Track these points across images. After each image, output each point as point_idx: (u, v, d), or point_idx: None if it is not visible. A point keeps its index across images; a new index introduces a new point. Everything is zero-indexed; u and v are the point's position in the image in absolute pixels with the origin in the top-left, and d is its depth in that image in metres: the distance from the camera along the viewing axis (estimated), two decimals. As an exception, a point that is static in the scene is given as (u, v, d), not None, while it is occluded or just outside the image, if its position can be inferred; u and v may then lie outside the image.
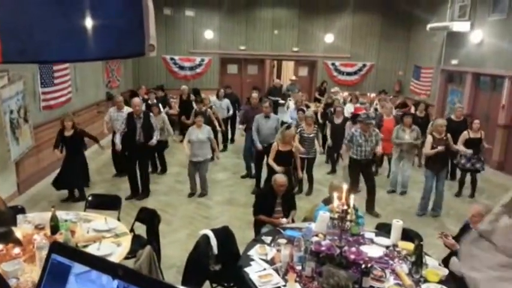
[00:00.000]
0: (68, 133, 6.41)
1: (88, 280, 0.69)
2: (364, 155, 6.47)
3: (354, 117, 7.91)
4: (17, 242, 3.04)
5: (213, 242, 3.97)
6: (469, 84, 10.50)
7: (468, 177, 7.49)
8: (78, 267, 0.70)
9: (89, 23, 1.38)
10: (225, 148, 10.13)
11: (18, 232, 3.32)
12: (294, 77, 14.18)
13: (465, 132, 7.20)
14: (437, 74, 12.10)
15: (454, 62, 11.15)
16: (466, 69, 10.61)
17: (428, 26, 11.73)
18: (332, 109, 8.93)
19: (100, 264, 0.69)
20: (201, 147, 6.90)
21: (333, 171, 8.66)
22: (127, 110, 7.33)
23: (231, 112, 10.18)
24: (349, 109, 9.80)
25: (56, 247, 0.73)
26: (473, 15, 10.32)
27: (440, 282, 3.20)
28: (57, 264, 0.72)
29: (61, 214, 3.97)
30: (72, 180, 6.61)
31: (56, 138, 6.49)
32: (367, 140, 6.44)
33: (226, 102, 10.10)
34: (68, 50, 1.46)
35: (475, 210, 3.80)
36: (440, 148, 6.20)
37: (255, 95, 8.72)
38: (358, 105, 10.07)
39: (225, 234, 4.16)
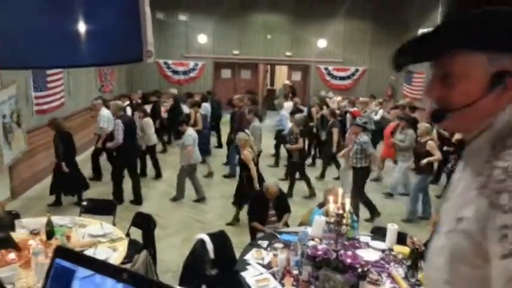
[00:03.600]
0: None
1: (92, 284, 0.69)
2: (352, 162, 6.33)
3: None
4: (15, 247, 3.01)
5: (209, 246, 3.95)
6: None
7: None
8: (82, 271, 0.70)
9: (86, 29, 1.37)
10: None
11: (13, 237, 3.30)
12: (287, 81, 14.21)
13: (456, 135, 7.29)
14: (429, 78, 12.19)
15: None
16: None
17: (420, 31, 11.83)
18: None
19: (104, 268, 0.69)
20: (181, 153, 6.99)
21: (322, 176, 8.57)
22: (102, 111, 7.42)
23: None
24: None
25: (60, 251, 0.73)
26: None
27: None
28: (61, 268, 0.72)
29: (56, 219, 3.94)
30: (65, 186, 6.59)
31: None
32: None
33: (204, 106, 10.07)
34: (65, 57, 1.45)
35: (437, 217, 3.82)
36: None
37: (236, 96, 9.07)
38: (355, 108, 10.14)
39: (221, 239, 4.15)
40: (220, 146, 10.57)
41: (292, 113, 8.48)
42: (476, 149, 0.98)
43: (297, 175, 7.45)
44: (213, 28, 14.65)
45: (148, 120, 8.05)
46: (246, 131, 6.86)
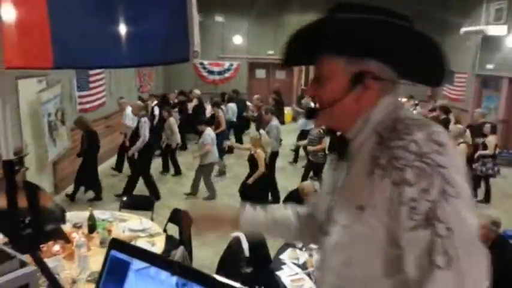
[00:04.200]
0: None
1: (147, 276, 0.71)
2: None
3: None
4: (66, 239, 3.14)
5: (245, 244, 3.98)
6: (506, 90, 10.16)
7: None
8: (137, 264, 0.73)
9: (136, 30, 1.42)
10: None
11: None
12: None
13: (481, 138, 7.09)
14: (472, 79, 11.76)
15: (490, 66, 10.81)
16: (503, 74, 10.26)
17: (462, 30, 11.43)
18: None
19: (159, 261, 0.71)
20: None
21: None
22: (127, 110, 7.72)
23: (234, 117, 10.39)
24: None
25: (115, 244, 0.76)
26: (510, 19, 9.98)
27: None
28: (116, 260, 0.75)
29: (97, 214, 4.08)
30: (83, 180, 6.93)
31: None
32: None
33: (230, 106, 10.22)
34: (115, 57, 1.51)
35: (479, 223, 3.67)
36: None
37: (255, 96, 8.99)
38: None
39: (256, 238, 4.16)
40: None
41: None
42: (362, 140, 1.04)
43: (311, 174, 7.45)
44: (248, 29, 14.72)
45: (173, 120, 8.34)
46: (261, 130, 6.97)
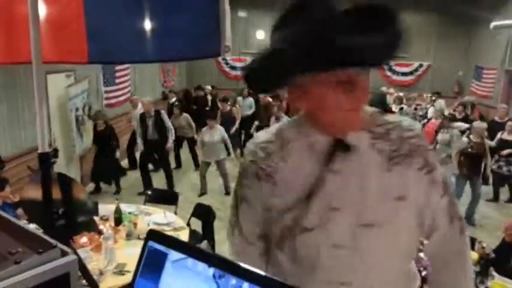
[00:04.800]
0: (100, 128, 6.82)
1: (184, 267, 0.72)
2: None
3: None
4: (98, 231, 3.20)
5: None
6: (538, 86, 9.83)
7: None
8: (174, 255, 0.74)
9: (169, 25, 1.44)
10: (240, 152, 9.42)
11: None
12: None
13: (499, 133, 6.77)
14: (501, 75, 11.41)
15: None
16: (534, 69, 9.93)
17: (492, 24, 11.09)
18: None
19: (196, 252, 0.72)
20: (214, 149, 6.97)
21: None
22: (140, 108, 7.68)
23: (251, 111, 10.40)
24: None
25: (152, 234, 0.77)
26: (544, 12, 9.64)
27: (507, 294, 3.03)
28: (153, 251, 0.76)
29: (123, 207, 4.16)
30: (104, 174, 7.02)
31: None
32: None
33: (249, 100, 10.33)
34: (148, 52, 1.54)
35: (509, 223, 3.60)
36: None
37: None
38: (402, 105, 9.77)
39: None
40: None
41: None
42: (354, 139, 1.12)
43: None
44: (271, 24, 14.63)
45: (186, 115, 8.45)
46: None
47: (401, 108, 9.55)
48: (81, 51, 1.56)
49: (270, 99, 8.84)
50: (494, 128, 7.04)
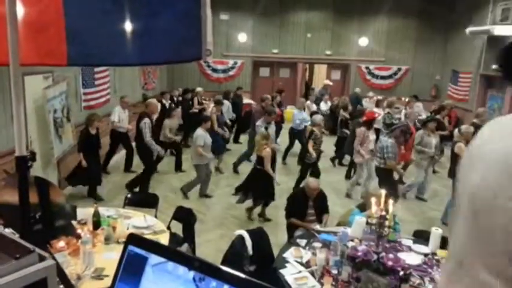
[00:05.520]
0: (93, 131, 6.79)
1: (164, 271, 0.72)
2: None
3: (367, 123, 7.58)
4: (76, 235, 3.15)
5: (248, 242, 4.00)
6: (510, 90, 10.13)
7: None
8: (154, 258, 0.74)
9: (150, 29, 1.44)
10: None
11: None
12: (327, 81, 14.05)
13: None
14: (476, 79, 11.73)
15: (495, 67, 10.77)
16: (508, 74, 10.23)
17: (468, 29, 11.40)
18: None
19: (176, 255, 0.72)
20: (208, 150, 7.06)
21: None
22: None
23: (232, 116, 10.52)
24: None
25: (132, 239, 0.77)
26: (517, 19, 9.96)
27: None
28: (133, 255, 0.76)
29: (102, 210, 4.10)
30: (91, 177, 6.90)
31: (81, 139, 6.77)
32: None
33: (225, 104, 10.30)
34: (129, 55, 1.53)
35: None
36: None
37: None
38: (375, 109, 9.89)
39: (259, 236, 4.18)
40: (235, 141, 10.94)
41: (312, 114, 8.45)
42: None
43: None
44: (252, 27, 14.73)
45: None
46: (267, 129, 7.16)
47: (389, 112, 9.69)
48: (61, 54, 1.55)
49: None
50: (475, 131, 7.25)
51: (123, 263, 0.77)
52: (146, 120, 6.96)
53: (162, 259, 0.72)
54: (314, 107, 10.98)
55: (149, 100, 7.84)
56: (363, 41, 14.56)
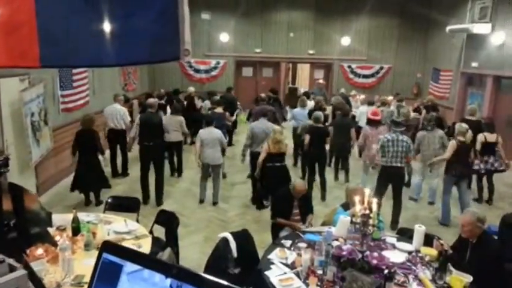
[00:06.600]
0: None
1: (140, 279, 0.69)
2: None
3: (370, 122, 7.65)
4: (53, 242, 3.06)
5: (233, 245, 3.95)
6: (490, 87, 10.34)
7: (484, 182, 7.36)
8: (130, 266, 0.70)
9: (125, 29, 1.39)
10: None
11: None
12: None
13: (480, 135, 7.04)
14: (457, 76, 11.94)
15: (474, 64, 10.98)
16: (487, 71, 10.44)
17: (448, 28, 11.59)
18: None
19: (152, 263, 0.68)
20: None
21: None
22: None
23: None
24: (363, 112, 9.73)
25: (107, 246, 0.73)
26: (494, 17, 10.16)
27: (465, 288, 3.14)
28: (108, 263, 0.72)
29: (82, 216, 4.00)
30: (91, 184, 6.66)
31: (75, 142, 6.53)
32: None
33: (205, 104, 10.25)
34: (103, 55, 1.48)
35: (463, 219, 3.70)
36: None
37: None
38: (372, 107, 9.93)
39: (244, 238, 4.14)
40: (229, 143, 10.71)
41: (310, 112, 8.36)
42: None
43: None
44: (234, 26, 14.69)
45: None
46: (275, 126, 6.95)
47: (379, 106, 9.75)
48: (33, 55, 1.49)
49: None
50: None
51: (97, 272, 0.74)
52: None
53: (138, 267, 0.69)
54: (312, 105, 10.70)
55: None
56: (346, 40, 14.67)
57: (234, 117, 9.94)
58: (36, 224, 2.08)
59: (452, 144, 6.27)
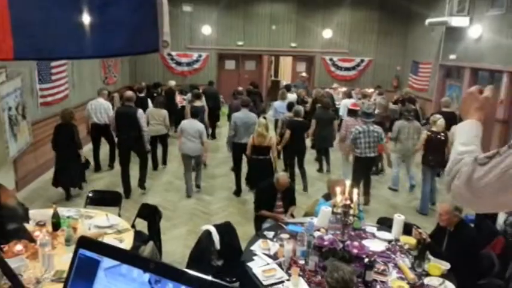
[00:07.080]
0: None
1: (118, 274, 0.69)
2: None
3: (351, 113, 7.73)
4: (30, 238, 3.01)
5: (215, 237, 3.97)
6: (468, 80, 10.53)
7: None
8: (107, 262, 0.70)
9: (103, 20, 1.37)
10: None
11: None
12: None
13: (454, 127, 7.17)
14: (436, 69, 12.12)
15: (453, 57, 11.16)
16: (465, 64, 10.63)
17: (427, 21, 11.73)
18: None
19: (130, 258, 0.69)
20: None
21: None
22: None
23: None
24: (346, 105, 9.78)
25: (83, 242, 0.73)
26: (472, 10, 10.32)
27: (442, 275, 3.23)
28: (85, 259, 0.72)
29: (62, 211, 3.96)
30: (72, 178, 6.58)
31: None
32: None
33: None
34: (80, 47, 1.45)
35: (442, 209, 3.82)
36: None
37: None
38: (353, 100, 10.02)
39: (227, 230, 4.16)
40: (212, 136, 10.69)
41: (290, 106, 8.36)
42: None
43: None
44: (217, 19, 14.57)
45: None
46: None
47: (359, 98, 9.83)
48: (6, 47, 1.45)
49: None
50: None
51: (74, 268, 0.73)
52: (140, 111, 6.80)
53: (115, 262, 0.69)
54: (294, 97, 10.66)
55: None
56: (327, 33, 14.72)
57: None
58: (13, 220, 2.05)
59: (424, 135, 6.44)
